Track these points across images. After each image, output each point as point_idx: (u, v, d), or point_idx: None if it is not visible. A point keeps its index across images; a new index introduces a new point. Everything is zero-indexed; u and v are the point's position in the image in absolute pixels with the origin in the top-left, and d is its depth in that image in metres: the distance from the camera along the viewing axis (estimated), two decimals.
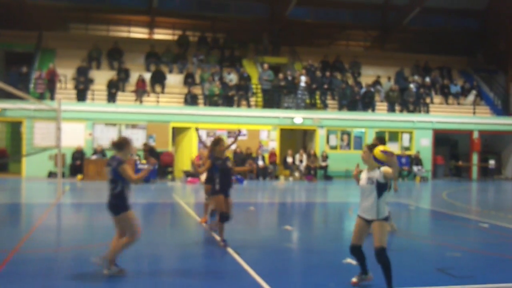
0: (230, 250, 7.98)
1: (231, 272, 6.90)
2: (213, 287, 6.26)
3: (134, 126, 21.40)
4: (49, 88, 21.36)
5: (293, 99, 23.32)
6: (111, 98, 21.90)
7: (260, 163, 21.77)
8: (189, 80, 23.43)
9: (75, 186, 17.96)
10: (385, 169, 5.91)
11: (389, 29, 30.40)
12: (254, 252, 8.19)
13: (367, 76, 26.78)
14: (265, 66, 24.06)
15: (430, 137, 24.34)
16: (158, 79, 23.15)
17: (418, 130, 24.18)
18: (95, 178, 19.38)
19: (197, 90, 23.08)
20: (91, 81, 22.68)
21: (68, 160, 20.49)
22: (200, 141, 11.31)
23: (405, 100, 24.80)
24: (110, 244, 6.60)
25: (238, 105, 23.13)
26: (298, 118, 22.67)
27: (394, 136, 24.21)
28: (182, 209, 13.14)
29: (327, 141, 23.46)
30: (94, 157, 20.29)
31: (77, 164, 20.26)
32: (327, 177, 22.50)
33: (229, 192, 8.49)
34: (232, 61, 25.42)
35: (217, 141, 8.54)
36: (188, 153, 21.95)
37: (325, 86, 24.56)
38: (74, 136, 20.47)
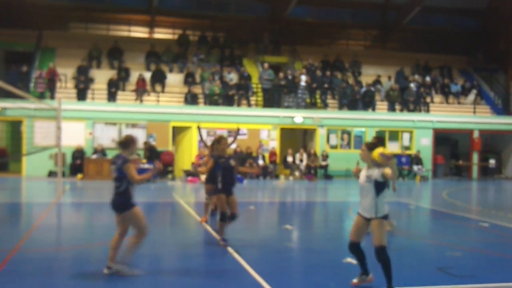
0: (230, 250, 7.98)
1: (231, 272, 6.90)
2: (213, 287, 6.25)
3: (134, 126, 21.40)
4: (49, 87, 21.36)
5: (293, 99, 23.32)
6: (111, 97, 21.90)
7: (260, 162, 21.77)
8: (189, 80, 23.43)
9: (75, 185, 17.97)
10: (385, 170, 5.89)
11: (390, 29, 30.39)
12: (254, 251, 8.19)
13: (368, 75, 26.77)
14: (266, 65, 24.06)
15: (430, 136, 24.33)
16: (158, 78, 23.15)
17: (418, 129, 24.17)
18: (95, 178, 19.39)
19: (197, 90, 23.07)
20: (91, 80, 22.68)
21: (68, 160, 20.49)
22: (201, 139, 11.32)
23: (405, 99, 24.79)
24: (109, 244, 6.59)
25: (238, 105, 23.12)
26: (298, 117, 22.66)
27: (394, 136, 24.20)
28: (182, 208, 13.14)
29: (327, 141, 23.46)
30: (94, 156, 20.29)
31: (77, 163, 20.26)
32: (327, 177, 22.50)
33: (232, 190, 8.48)
34: (232, 60, 25.42)
35: (219, 140, 8.55)
36: (188, 152, 21.96)
37: (326, 86, 24.56)
38: (74, 135, 20.48)
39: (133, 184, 6.44)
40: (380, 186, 5.96)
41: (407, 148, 24.15)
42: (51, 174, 20.07)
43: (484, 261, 7.92)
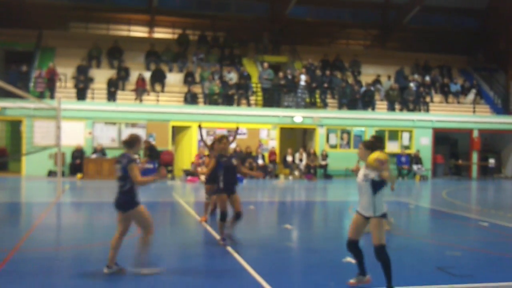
0: (230, 249, 7.98)
1: (231, 271, 6.90)
2: (213, 286, 6.25)
3: (134, 125, 21.39)
4: (49, 87, 21.35)
5: (293, 98, 23.32)
6: (111, 97, 21.89)
7: (260, 162, 21.77)
8: (189, 79, 23.43)
9: (74, 185, 17.97)
10: (382, 173, 5.88)
11: (389, 28, 30.39)
12: (254, 251, 8.19)
13: (367, 75, 26.77)
14: (265, 65, 24.06)
15: (430, 136, 24.33)
16: (158, 78, 23.14)
17: (418, 129, 24.17)
18: (95, 177, 19.39)
19: (197, 89, 23.07)
20: (91, 80, 22.67)
21: (68, 159, 20.49)
22: (201, 139, 11.32)
23: (405, 99, 24.80)
24: (110, 243, 6.59)
25: (238, 104, 23.13)
26: (298, 117, 22.66)
27: (394, 135, 24.21)
28: (182, 208, 13.15)
29: (327, 140, 23.46)
30: (94, 156, 20.29)
31: (77, 163, 20.26)
32: (327, 176, 22.51)
33: (235, 189, 8.47)
34: (232, 60, 25.42)
35: (220, 139, 8.55)
36: (188, 152, 21.96)
37: (325, 85, 24.56)
38: (74, 135, 20.47)
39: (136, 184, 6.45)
40: (377, 184, 5.95)
41: (407, 147, 24.15)
42: (51, 173, 20.07)
43: (484, 261, 7.92)
